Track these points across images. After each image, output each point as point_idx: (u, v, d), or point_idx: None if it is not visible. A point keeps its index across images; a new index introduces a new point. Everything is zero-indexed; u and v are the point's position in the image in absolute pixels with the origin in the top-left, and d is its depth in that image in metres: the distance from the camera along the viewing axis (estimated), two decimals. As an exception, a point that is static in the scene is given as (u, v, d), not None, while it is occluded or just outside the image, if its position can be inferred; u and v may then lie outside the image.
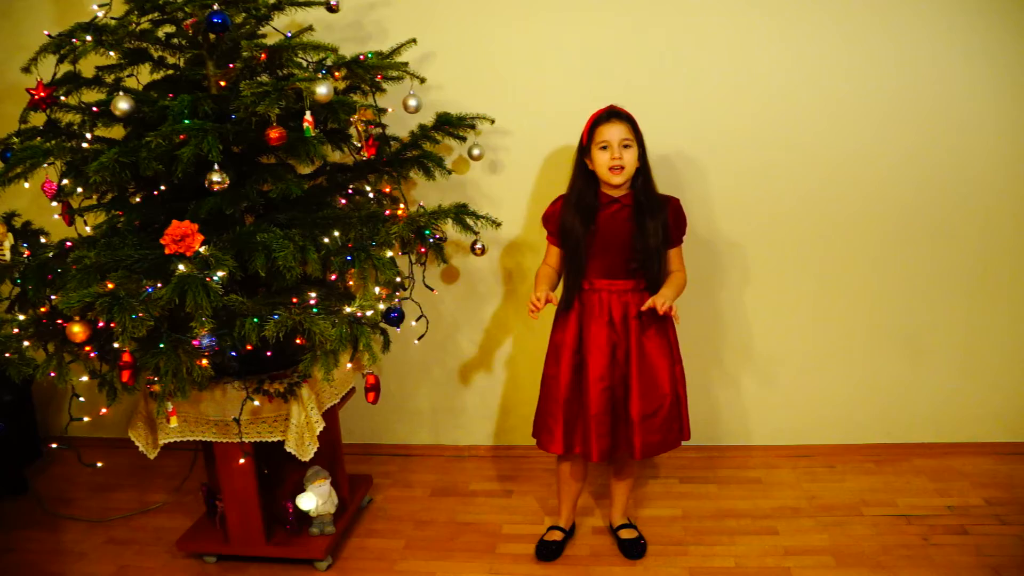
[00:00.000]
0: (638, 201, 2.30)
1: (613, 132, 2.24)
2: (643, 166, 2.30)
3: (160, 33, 2.29)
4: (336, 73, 2.28)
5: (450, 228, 2.46)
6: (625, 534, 2.54)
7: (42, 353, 2.17)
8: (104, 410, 2.21)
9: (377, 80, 2.47)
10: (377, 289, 2.18)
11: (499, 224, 2.52)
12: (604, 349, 2.32)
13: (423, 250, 2.40)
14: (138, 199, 2.30)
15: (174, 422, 2.22)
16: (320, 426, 2.33)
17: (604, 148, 2.24)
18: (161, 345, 1.97)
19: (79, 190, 2.11)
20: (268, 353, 2.23)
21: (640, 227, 2.28)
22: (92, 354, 2.12)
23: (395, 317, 2.23)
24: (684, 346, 2.95)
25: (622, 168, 2.23)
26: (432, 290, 2.70)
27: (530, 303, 2.24)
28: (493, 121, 2.71)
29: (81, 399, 2.26)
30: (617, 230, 2.30)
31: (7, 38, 3.03)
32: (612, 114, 2.27)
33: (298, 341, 2.07)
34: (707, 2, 2.68)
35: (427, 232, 2.32)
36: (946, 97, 2.68)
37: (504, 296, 3.06)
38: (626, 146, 2.24)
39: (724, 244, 2.89)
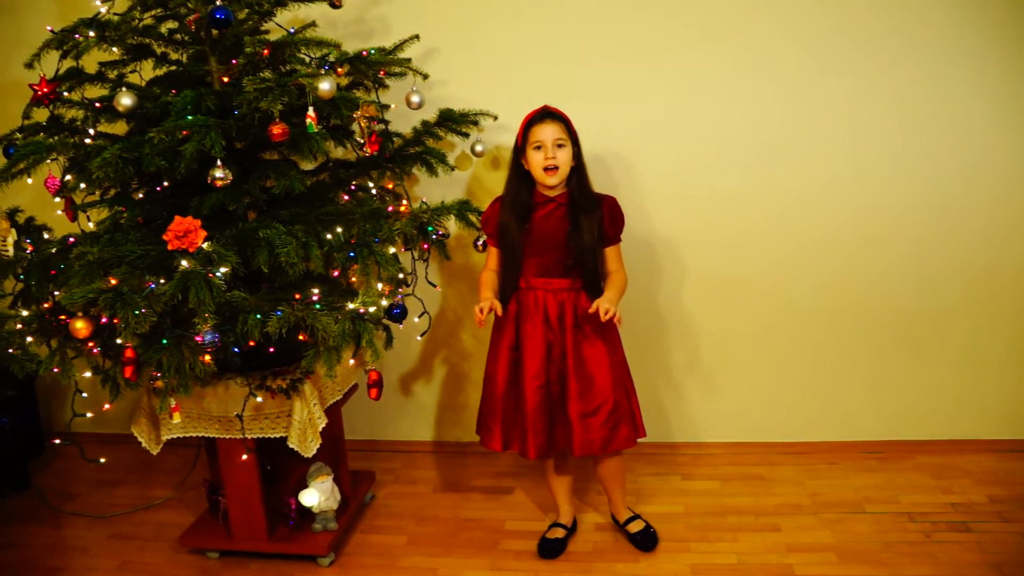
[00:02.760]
0: (573, 199, 2.31)
1: (547, 132, 2.25)
2: (578, 165, 2.31)
3: (163, 29, 2.29)
4: (339, 69, 2.28)
5: (453, 224, 2.46)
6: (634, 527, 2.54)
7: (45, 349, 2.17)
8: (107, 406, 2.22)
9: (380, 76, 2.46)
10: (380, 285, 2.18)
11: (502, 220, 2.52)
12: (540, 348, 2.33)
13: (426, 246, 2.40)
14: (141, 195, 2.30)
15: (177, 418, 2.22)
16: (323, 422, 2.33)
17: (538, 148, 2.26)
18: (164, 341, 1.98)
19: (82, 186, 2.10)
20: (271, 349, 2.23)
21: (575, 225, 2.29)
22: (95, 350, 2.12)
23: (398, 313, 2.23)
24: (685, 342, 2.97)
25: (556, 168, 2.25)
26: (435, 286, 2.70)
27: (475, 313, 2.26)
28: (496, 117, 2.71)
29: (84, 395, 2.26)
30: (552, 229, 2.31)
31: (10, 34, 3.04)
32: (546, 114, 2.29)
33: (301, 337, 2.07)
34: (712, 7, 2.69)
35: (430, 228, 2.32)
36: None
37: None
38: (560, 146, 2.25)
39: (718, 242, 2.89)
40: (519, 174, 2.34)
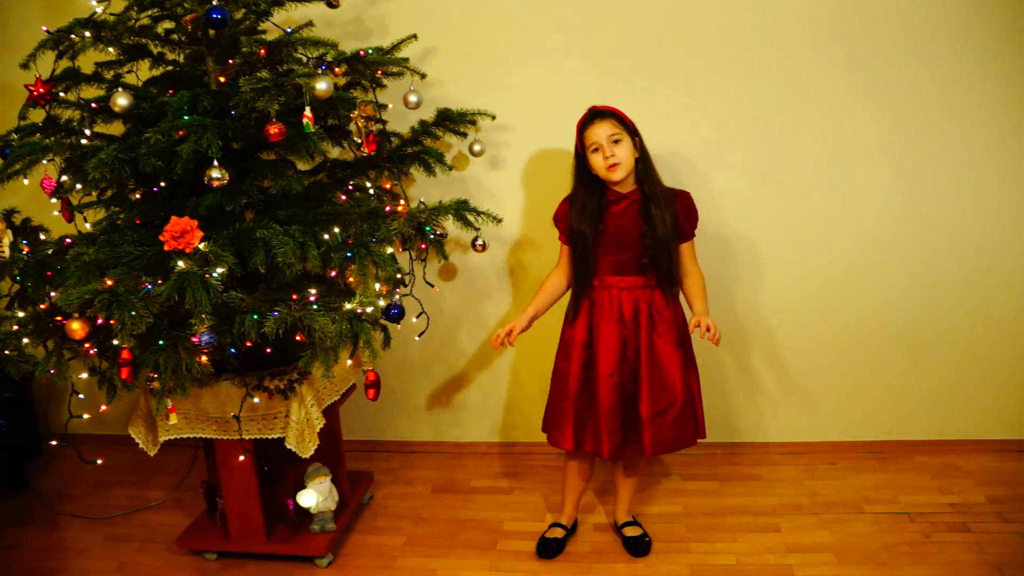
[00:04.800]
0: (644, 195, 2.29)
1: (599, 132, 2.23)
2: (642, 157, 2.28)
3: (159, 29, 2.28)
4: (336, 69, 2.28)
5: (451, 224, 2.45)
6: (630, 531, 2.54)
7: (42, 350, 2.17)
8: (104, 407, 2.21)
9: (377, 76, 2.46)
10: (377, 286, 2.17)
11: (500, 220, 2.51)
12: (614, 346, 2.31)
13: (424, 246, 2.39)
14: (138, 196, 2.29)
15: (174, 419, 2.22)
16: (320, 423, 2.33)
17: (596, 150, 2.24)
18: (161, 342, 1.97)
19: (78, 187, 2.10)
20: (268, 350, 2.22)
21: (648, 221, 2.27)
22: (92, 351, 2.12)
23: (395, 314, 2.22)
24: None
25: (617, 164, 2.22)
26: (433, 286, 2.69)
27: (492, 339, 2.30)
28: (494, 117, 2.71)
29: (81, 396, 2.26)
30: (627, 227, 2.29)
31: (-3, 37, 3.03)
32: (595, 115, 2.26)
33: (298, 338, 2.06)
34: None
35: (428, 228, 2.32)
36: (951, 102, 2.68)
37: (505, 292, 3.05)
38: (616, 141, 2.23)
39: (726, 241, 2.89)
40: (586, 178, 2.31)
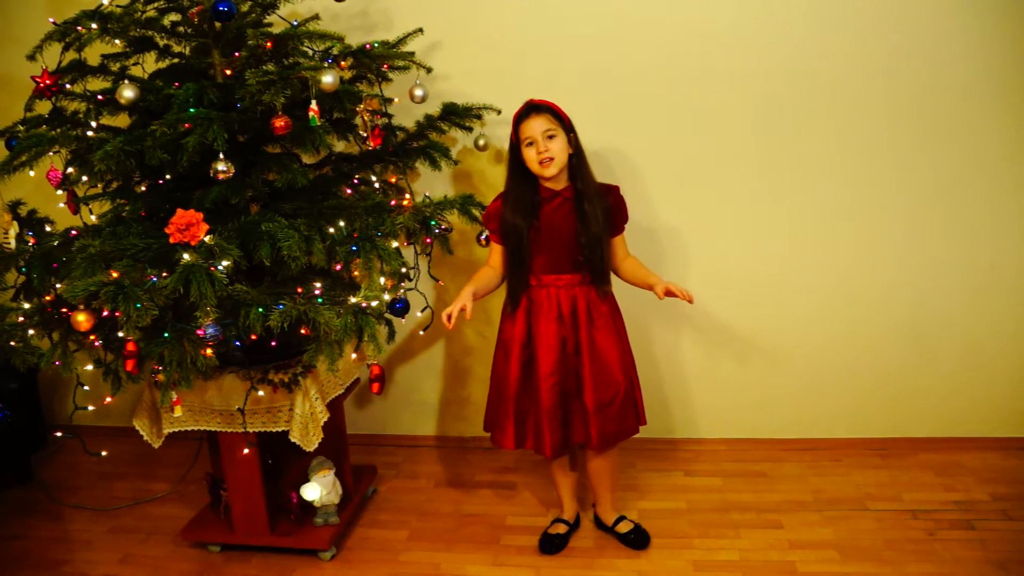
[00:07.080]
0: (578, 192, 2.29)
1: (535, 126, 2.23)
2: (577, 153, 2.29)
3: (166, 21, 2.29)
4: (342, 62, 2.27)
5: (456, 218, 2.45)
6: (622, 528, 2.54)
7: (47, 342, 2.17)
8: (109, 399, 2.22)
9: (383, 70, 2.45)
10: (382, 279, 2.17)
11: (505, 215, 2.51)
12: (554, 344, 2.32)
13: (428, 241, 2.39)
14: (143, 188, 2.30)
15: (178, 411, 2.22)
16: (324, 416, 2.33)
17: (530, 144, 2.24)
18: (166, 335, 1.97)
19: (84, 179, 2.10)
20: (273, 343, 2.22)
21: (582, 219, 2.27)
22: (97, 343, 2.12)
23: (400, 308, 2.22)
24: (690, 335, 2.96)
25: (551, 159, 2.22)
26: (438, 281, 2.69)
27: (442, 319, 2.18)
28: (500, 111, 2.70)
29: (86, 388, 2.26)
30: (560, 224, 2.29)
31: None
32: (531, 108, 2.26)
33: (303, 331, 2.07)
34: None
35: (433, 222, 2.31)
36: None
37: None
38: (551, 136, 2.23)
39: (738, 239, 2.89)
40: (520, 171, 2.31)
